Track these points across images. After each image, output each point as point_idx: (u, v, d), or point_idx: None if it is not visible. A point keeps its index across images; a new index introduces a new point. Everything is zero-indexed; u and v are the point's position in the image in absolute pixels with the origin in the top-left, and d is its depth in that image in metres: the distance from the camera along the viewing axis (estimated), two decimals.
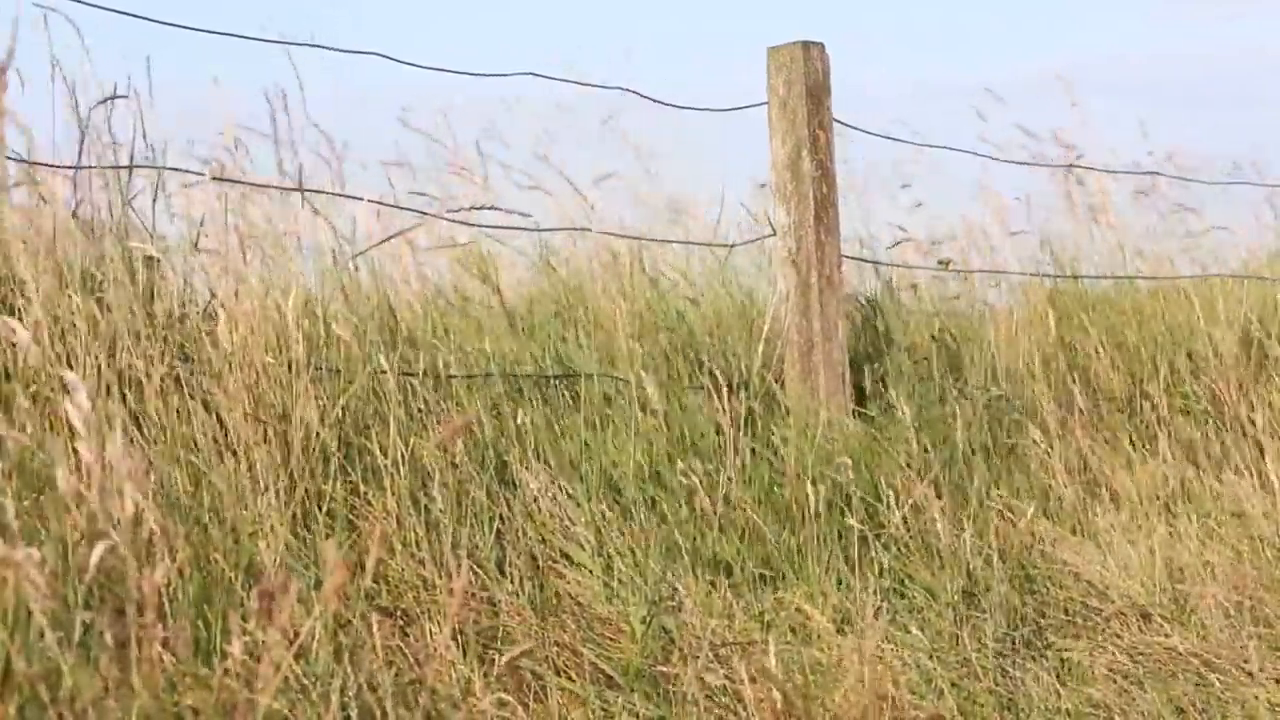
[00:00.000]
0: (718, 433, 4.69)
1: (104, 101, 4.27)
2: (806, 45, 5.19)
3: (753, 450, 4.69)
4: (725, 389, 4.74)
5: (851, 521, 4.63)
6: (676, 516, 4.45)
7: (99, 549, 2.74)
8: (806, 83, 5.16)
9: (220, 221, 4.40)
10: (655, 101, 5.31)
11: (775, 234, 5.23)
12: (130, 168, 4.32)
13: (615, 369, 4.81)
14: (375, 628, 3.49)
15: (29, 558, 2.81)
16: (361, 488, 4.18)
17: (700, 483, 4.51)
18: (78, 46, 4.21)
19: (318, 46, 4.56)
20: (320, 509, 4.06)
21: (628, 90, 5.29)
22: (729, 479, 4.57)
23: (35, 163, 4.19)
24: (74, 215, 4.17)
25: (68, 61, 4.23)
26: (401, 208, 4.95)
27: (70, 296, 3.97)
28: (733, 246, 5.45)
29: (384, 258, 4.94)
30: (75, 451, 2.93)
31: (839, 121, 5.27)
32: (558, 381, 4.77)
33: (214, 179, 4.43)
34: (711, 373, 4.84)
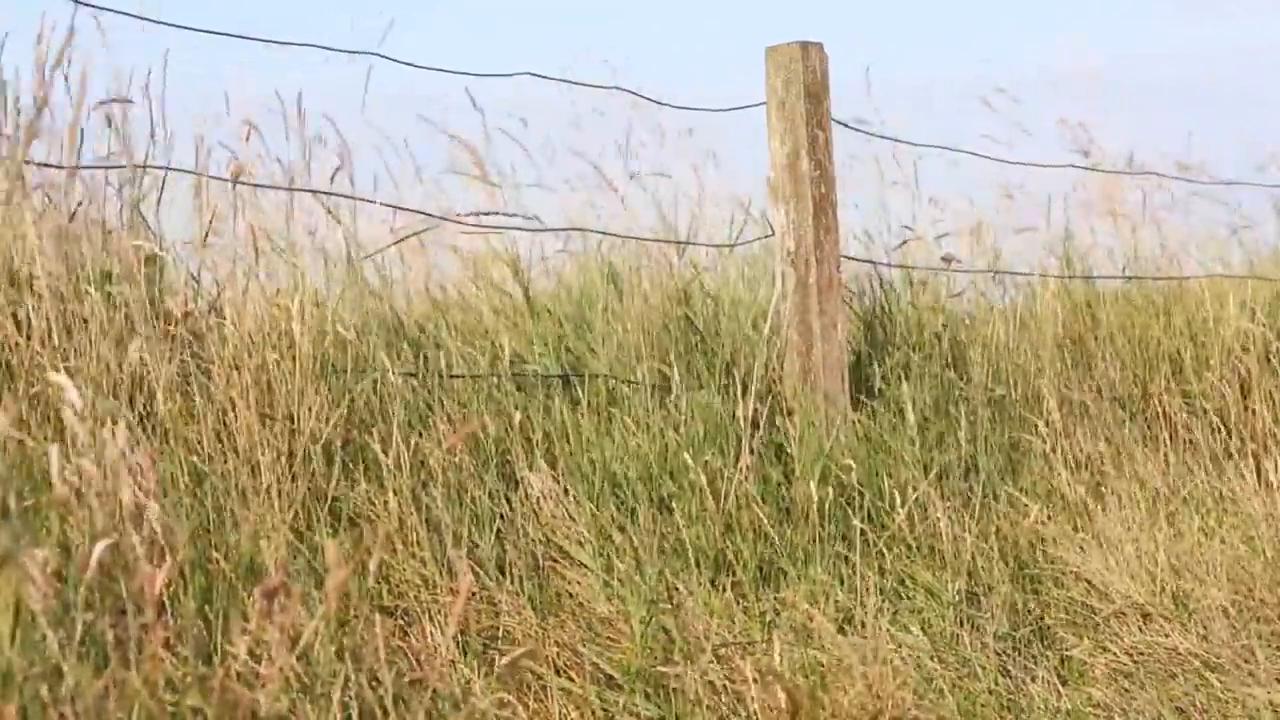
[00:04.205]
0: (726, 431, 4.70)
1: (109, 102, 4.29)
2: (805, 45, 5.20)
3: (752, 449, 4.70)
4: (739, 388, 4.75)
5: (854, 521, 4.64)
6: (683, 515, 4.45)
7: (99, 547, 2.75)
8: (805, 83, 5.16)
9: (228, 221, 4.42)
10: (654, 102, 5.32)
11: (775, 234, 5.24)
12: (137, 167, 4.34)
13: (626, 366, 4.82)
14: (377, 627, 3.50)
15: (31, 557, 2.82)
16: (364, 487, 4.19)
17: (707, 481, 4.52)
18: (84, 47, 4.23)
19: (318, 47, 4.58)
20: (323, 508, 4.07)
21: (627, 90, 5.30)
22: (742, 478, 4.58)
23: (43, 164, 4.21)
24: (71, 217, 4.19)
25: (73, 61, 4.25)
26: (409, 210, 4.96)
27: (87, 293, 3.99)
28: (732, 247, 5.45)
29: (391, 258, 4.95)
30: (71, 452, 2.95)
31: (838, 122, 5.27)
32: (564, 380, 4.77)
33: (221, 179, 4.44)
34: (726, 370, 4.86)
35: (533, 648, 3.97)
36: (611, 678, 4.02)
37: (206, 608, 3.54)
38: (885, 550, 4.67)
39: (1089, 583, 4.81)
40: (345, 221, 4.69)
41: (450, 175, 5.16)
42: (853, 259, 5.60)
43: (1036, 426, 5.37)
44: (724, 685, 4.03)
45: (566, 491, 4.42)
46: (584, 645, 4.06)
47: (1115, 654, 4.58)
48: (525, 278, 5.12)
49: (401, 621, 3.93)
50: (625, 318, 4.97)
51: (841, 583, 4.51)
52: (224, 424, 4.07)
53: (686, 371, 4.90)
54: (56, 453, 2.84)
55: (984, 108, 6.37)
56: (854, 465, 4.78)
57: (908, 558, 4.68)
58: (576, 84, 5.20)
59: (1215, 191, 6.78)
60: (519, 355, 4.83)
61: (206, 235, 4.41)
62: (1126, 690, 4.46)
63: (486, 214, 5.09)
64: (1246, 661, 4.56)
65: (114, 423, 3.09)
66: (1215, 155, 6.79)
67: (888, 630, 4.33)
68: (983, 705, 4.28)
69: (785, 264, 5.19)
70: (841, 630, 4.28)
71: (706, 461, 4.57)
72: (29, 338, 3.90)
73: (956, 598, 4.57)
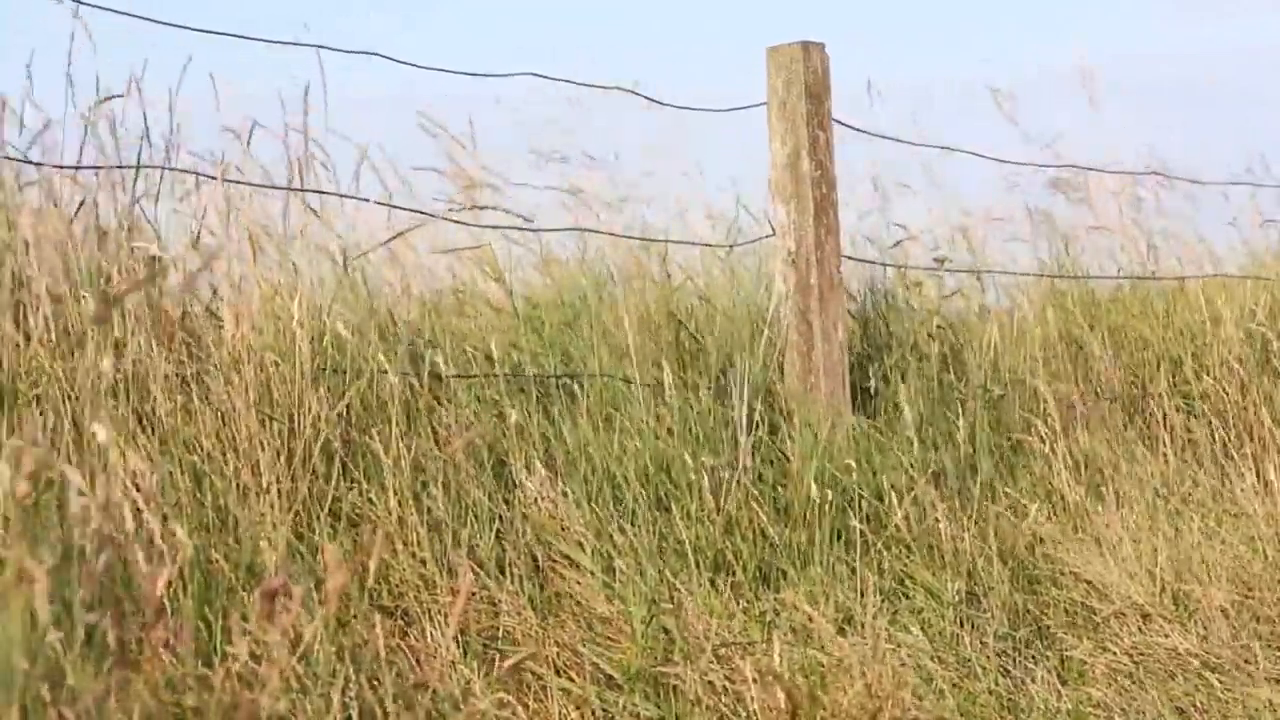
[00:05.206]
0: (724, 431, 4.70)
1: (105, 100, 4.29)
2: (806, 45, 5.20)
3: (753, 449, 4.70)
4: (733, 388, 4.75)
5: (853, 521, 4.64)
6: (682, 515, 4.45)
7: (104, 557, 2.75)
8: (806, 83, 5.16)
9: (226, 222, 4.42)
10: (655, 101, 5.32)
11: (775, 234, 5.24)
12: (135, 168, 4.34)
13: (622, 367, 4.81)
14: (377, 628, 3.49)
15: (32, 559, 2.82)
16: (364, 487, 4.18)
17: (706, 482, 4.52)
18: (80, 47, 4.23)
19: (318, 46, 4.57)
20: (323, 509, 4.07)
21: (627, 90, 5.29)
22: (740, 476, 4.58)
23: (40, 163, 4.20)
24: (74, 217, 4.19)
25: (69, 61, 4.25)
26: (404, 208, 4.96)
27: (82, 298, 3.98)
28: (732, 247, 5.45)
29: (387, 258, 4.95)
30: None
31: (839, 122, 5.27)
32: (561, 381, 4.77)
33: (219, 179, 4.43)
34: (724, 370, 4.86)
35: (533, 651, 3.96)
36: (611, 678, 4.01)
37: (206, 608, 3.53)
38: (884, 551, 4.67)
39: (1089, 583, 4.81)
40: (341, 221, 4.69)
41: (448, 175, 5.16)
42: (853, 259, 5.60)
43: (1035, 427, 5.37)
44: (724, 685, 4.03)
45: (566, 495, 4.42)
46: (584, 645, 4.05)
47: (1115, 654, 4.58)
48: (510, 283, 5.12)
49: (401, 622, 3.93)
50: (621, 320, 4.97)
51: (841, 583, 4.51)
52: (224, 424, 4.06)
53: (684, 371, 4.90)
54: (73, 470, 2.84)
55: (989, 107, 6.36)
56: (853, 466, 4.78)
57: (907, 558, 4.68)
58: (576, 84, 5.20)
59: (1215, 191, 6.78)
60: (514, 359, 4.82)
61: (199, 236, 4.40)
62: (1126, 690, 4.46)
63: (484, 208, 5.08)
64: (1247, 661, 4.56)
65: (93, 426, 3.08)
66: (1215, 155, 6.79)
67: (887, 630, 4.33)
68: (983, 705, 4.28)
69: (786, 264, 5.18)
70: (841, 631, 4.28)
71: (702, 462, 4.57)
72: (28, 339, 3.90)
73: (956, 598, 4.57)
